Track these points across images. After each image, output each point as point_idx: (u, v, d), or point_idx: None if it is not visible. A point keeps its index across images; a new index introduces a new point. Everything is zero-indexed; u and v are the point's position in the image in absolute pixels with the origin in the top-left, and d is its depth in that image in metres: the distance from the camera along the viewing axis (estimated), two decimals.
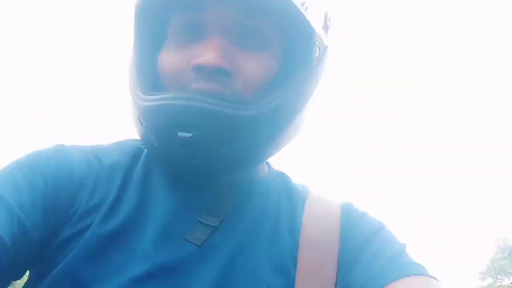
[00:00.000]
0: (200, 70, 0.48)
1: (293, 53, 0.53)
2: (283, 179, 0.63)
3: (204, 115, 0.46)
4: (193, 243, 0.49)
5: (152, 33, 0.54)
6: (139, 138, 0.55)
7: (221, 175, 0.53)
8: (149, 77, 0.53)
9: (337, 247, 0.53)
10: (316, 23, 0.52)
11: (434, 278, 0.48)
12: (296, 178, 0.65)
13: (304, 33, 0.51)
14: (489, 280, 10.62)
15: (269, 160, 0.61)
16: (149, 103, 0.49)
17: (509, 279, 10.26)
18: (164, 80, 0.52)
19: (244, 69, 0.49)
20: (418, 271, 0.49)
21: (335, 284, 0.51)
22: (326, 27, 0.55)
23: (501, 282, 10.50)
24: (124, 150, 0.58)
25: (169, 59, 0.51)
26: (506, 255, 10.49)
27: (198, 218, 0.51)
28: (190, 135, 0.45)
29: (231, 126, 0.47)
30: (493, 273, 10.43)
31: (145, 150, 0.57)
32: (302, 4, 0.48)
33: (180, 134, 0.46)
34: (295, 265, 0.51)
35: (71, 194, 0.50)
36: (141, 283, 0.47)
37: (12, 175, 0.48)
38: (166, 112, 0.47)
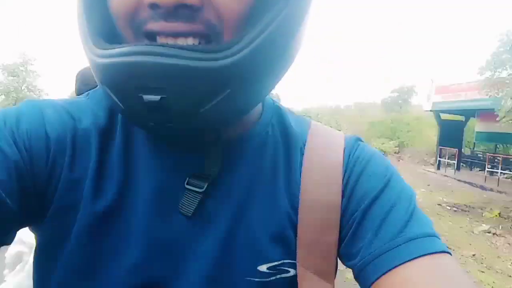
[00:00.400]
0: (156, 7, 0.38)
1: None
2: (278, 119, 0.56)
3: (170, 73, 0.37)
4: (185, 214, 0.46)
5: None
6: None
7: (205, 133, 0.46)
8: (100, 20, 0.43)
9: (339, 208, 0.47)
10: None
11: (441, 252, 0.43)
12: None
13: None
14: (488, 74, 10.85)
15: None
16: (104, 60, 0.39)
17: (507, 72, 10.41)
18: (117, 23, 0.42)
19: (218, 1, 0.38)
20: (425, 248, 0.43)
21: (337, 251, 0.48)
22: None
23: (499, 74, 10.73)
24: (100, 105, 0.50)
25: None
26: (508, 48, 10.43)
27: (185, 185, 0.46)
28: (158, 97, 0.37)
29: (205, 81, 0.38)
30: (492, 67, 10.59)
31: None
32: None
33: (146, 97, 0.37)
34: (294, 233, 0.48)
35: (48, 161, 0.45)
36: (140, 267, 0.45)
37: None
38: (124, 71, 0.38)
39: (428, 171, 15.08)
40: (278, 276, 0.47)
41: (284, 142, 0.53)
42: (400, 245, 0.43)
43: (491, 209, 8.14)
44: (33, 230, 0.49)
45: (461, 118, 15.64)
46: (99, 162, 0.46)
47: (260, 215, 0.48)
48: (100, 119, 0.49)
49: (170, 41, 0.39)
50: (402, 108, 33.46)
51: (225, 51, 0.38)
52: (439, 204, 8.51)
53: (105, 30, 0.43)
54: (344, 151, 0.52)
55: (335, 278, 0.49)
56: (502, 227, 7.07)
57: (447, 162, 14.83)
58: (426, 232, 0.45)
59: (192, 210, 0.46)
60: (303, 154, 0.52)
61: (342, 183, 0.49)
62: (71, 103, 0.50)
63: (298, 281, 0.47)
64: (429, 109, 15.98)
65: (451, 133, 15.15)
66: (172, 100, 0.38)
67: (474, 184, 11.70)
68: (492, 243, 6.39)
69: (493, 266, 5.30)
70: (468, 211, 8.20)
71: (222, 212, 0.47)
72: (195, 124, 0.41)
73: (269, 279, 0.47)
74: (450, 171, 14.21)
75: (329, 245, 0.47)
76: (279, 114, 0.57)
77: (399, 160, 19.44)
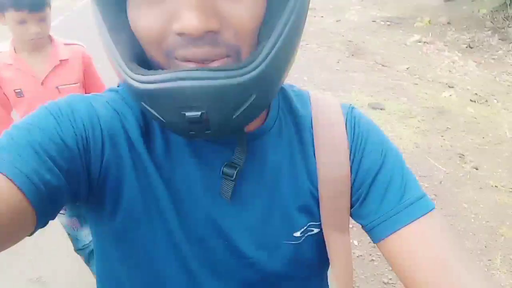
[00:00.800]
0: (184, 35, 0.42)
1: None
2: (285, 102, 0.63)
3: (207, 93, 0.42)
4: (225, 198, 0.55)
5: None
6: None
7: (236, 132, 0.53)
8: (128, 45, 0.46)
9: (349, 180, 0.58)
10: None
11: (432, 210, 0.55)
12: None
13: None
14: None
15: None
16: (147, 86, 0.43)
17: None
18: (145, 45, 0.46)
19: (232, 20, 0.43)
20: (421, 210, 0.55)
21: (350, 212, 0.60)
22: None
23: None
24: (131, 106, 0.55)
25: (144, 20, 0.44)
26: None
27: (221, 174, 0.54)
28: (198, 113, 0.43)
29: (236, 94, 0.44)
30: None
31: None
32: None
33: (188, 114, 0.43)
34: (316, 202, 0.58)
35: (102, 153, 0.51)
36: (196, 241, 0.55)
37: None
38: (168, 95, 0.43)
39: None
40: (307, 235, 0.59)
41: (295, 125, 0.61)
42: (401, 211, 0.55)
43: (422, 17, 8.30)
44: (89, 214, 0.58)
45: None
46: (146, 155, 0.53)
47: (287, 192, 0.58)
48: (139, 116, 0.55)
49: (200, 65, 0.44)
50: None
51: (249, 66, 0.43)
52: (373, 21, 8.56)
53: (133, 54, 0.46)
54: (346, 126, 0.60)
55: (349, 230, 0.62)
56: (431, 34, 7.37)
57: None
58: (418, 195, 0.57)
59: (229, 195, 0.55)
60: (312, 134, 0.60)
61: (350, 158, 0.59)
62: (112, 100, 0.55)
63: (325, 237, 0.59)
64: None
65: None
66: (210, 113, 0.44)
67: None
68: (423, 52, 6.71)
69: (425, 76, 5.65)
70: (401, 23, 8.34)
71: (255, 193, 0.57)
72: (228, 128, 0.47)
73: (302, 240, 0.59)
74: None
75: (342, 208, 0.59)
76: (284, 96, 0.64)
77: None
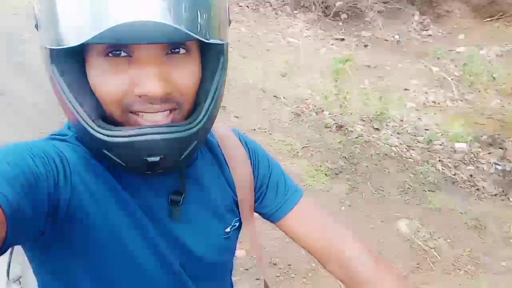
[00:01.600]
0: (145, 96, 0.56)
1: (208, 49, 0.61)
2: None
3: (167, 143, 0.57)
4: (176, 220, 0.69)
5: (73, 54, 0.56)
6: (93, 155, 0.62)
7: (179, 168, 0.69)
8: (86, 99, 0.57)
9: (253, 184, 0.80)
10: (224, 32, 0.61)
11: (304, 193, 0.86)
12: None
13: (217, 47, 0.61)
14: None
15: None
16: (113, 139, 0.56)
17: None
18: (105, 103, 0.58)
19: (180, 83, 0.58)
20: (299, 194, 0.84)
21: (254, 208, 0.82)
22: (228, 22, 0.63)
23: None
24: (71, 148, 0.62)
25: (107, 84, 0.56)
26: None
27: (169, 202, 0.69)
28: (157, 158, 0.57)
29: (186, 142, 0.59)
30: None
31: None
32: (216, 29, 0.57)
33: (150, 159, 0.56)
34: (236, 205, 0.79)
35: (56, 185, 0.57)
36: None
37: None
38: (134, 147, 0.56)
39: None
40: (233, 229, 0.79)
41: (210, 151, 0.78)
42: (288, 198, 0.83)
43: None
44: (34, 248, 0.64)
45: None
46: (111, 188, 0.63)
47: (218, 200, 0.76)
48: (91, 160, 0.63)
49: (151, 118, 0.58)
50: None
51: (193, 123, 0.59)
52: None
53: (93, 110, 0.57)
54: (243, 145, 0.82)
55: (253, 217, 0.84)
56: None
57: None
58: (295, 187, 0.86)
59: (178, 217, 0.69)
60: (223, 154, 0.79)
61: (252, 169, 0.81)
62: (66, 145, 0.63)
63: (243, 225, 0.82)
64: None
65: None
66: (167, 157, 0.58)
67: None
68: None
69: None
70: None
71: (198, 210, 0.73)
72: (176, 165, 0.62)
73: (230, 233, 0.78)
74: None
75: (251, 204, 0.81)
76: None
77: None
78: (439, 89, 5.48)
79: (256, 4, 7.80)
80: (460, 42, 6.78)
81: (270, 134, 3.83)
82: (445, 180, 3.51)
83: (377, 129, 4.24)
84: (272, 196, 0.83)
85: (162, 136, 0.56)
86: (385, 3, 7.24)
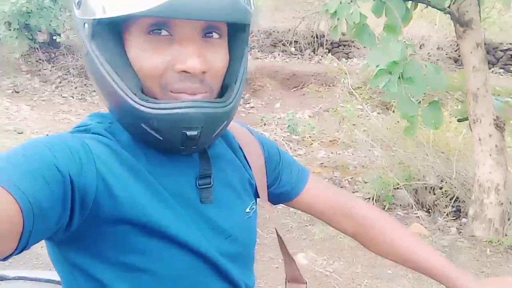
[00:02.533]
0: (185, 73, 0.58)
1: (235, 38, 0.65)
2: None
3: (206, 117, 0.59)
4: (208, 203, 0.68)
5: (113, 31, 0.58)
6: (128, 129, 0.64)
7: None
8: (126, 75, 0.58)
9: (265, 168, 0.83)
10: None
11: (310, 171, 0.92)
12: None
13: (246, 22, 0.62)
14: None
15: None
16: (157, 111, 0.57)
17: None
18: (145, 79, 0.59)
19: (213, 65, 0.61)
20: (308, 173, 0.90)
21: (268, 191, 0.85)
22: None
23: None
24: (94, 137, 0.62)
25: (149, 60, 0.58)
26: None
27: (197, 186, 0.67)
28: (196, 132, 0.59)
29: (220, 119, 0.62)
30: None
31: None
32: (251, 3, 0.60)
33: (189, 133, 0.58)
34: (252, 187, 0.80)
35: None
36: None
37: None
38: (176, 119, 0.58)
39: None
40: (252, 212, 0.78)
41: (224, 139, 0.79)
42: (301, 177, 0.88)
43: None
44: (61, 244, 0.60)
45: None
46: (142, 169, 0.62)
47: (237, 183, 0.76)
48: (112, 144, 0.62)
49: (190, 97, 0.60)
50: None
51: (227, 101, 0.62)
52: None
53: (133, 86, 0.58)
54: (253, 135, 0.85)
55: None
56: None
57: None
58: (302, 167, 0.92)
59: (212, 199, 0.69)
60: (238, 143, 0.81)
61: (263, 155, 0.83)
62: (92, 136, 0.62)
63: (261, 202, 0.83)
64: None
65: None
66: (203, 132, 0.60)
67: None
68: None
69: None
70: None
71: (222, 190, 0.72)
72: (207, 143, 0.66)
73: (251, 214, 0.78)
74: None
75: (264, 185, 0.83)
76: None
77: None
78: (342, 189, 6.01)
79: (82, 94, 7.62)
80: (278, 110, 7.77)
81: None
82: None
83: None
84: (287, 176, 0.88)
85: (202, 110, 0.58)
86: None
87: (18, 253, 0.48)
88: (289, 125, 6.71)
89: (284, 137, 6.50)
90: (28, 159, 0.50)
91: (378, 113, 6.48)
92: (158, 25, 0.57)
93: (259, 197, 0.83)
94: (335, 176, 4.99)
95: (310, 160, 5.64)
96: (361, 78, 7.47)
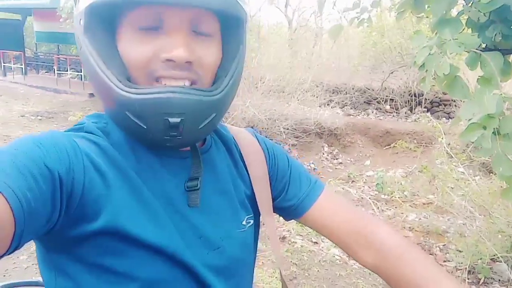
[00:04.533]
0: (170, 62, 0.59)
1: (229, 36, 0.66)
2: (214, 130, 0.79)
3: (189, 103, 0.58)
4: (195, 206, 0.67)
5: (105, 25, 0.60)
6: (115, 120, 0.64)
7: (195, 144, 0.69)
8: (114, 65, 0.60)
9: (269, 181, 0.78)
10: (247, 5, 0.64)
11: (326, 184, 0.83)
12: None
13: (239, 22, 0.65)
14: None
15: None
16: (139, 96, 0.57)
17: None
18: (132, 69, 0.60)
19: (202, 59, 0.61)
20: (321, 187, 0.82)
21: (273, 204, 0.79)
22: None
23: None
24: (83, 136, 0.62)
25: (137, 51, 0.59)
26: None
27: (186, 188, 0.66)
28: (179, 119, 0.58)
29: (205, 108, 0.61)
30: None
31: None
32: None
33: (171, 119, 0.57)
34: (249, 201, 0.76)
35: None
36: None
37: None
38: (158, 103, 0.57)
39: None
40: (248, 226, 0.74)
41: (224, 144, 0.78)
42: (312, 190, 0.81)
43: (73, 112, 8.50)
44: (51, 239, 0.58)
45: (17, 16, 14.27)
46: (128, 169, 0.62)
47: (232, 192, 0.73)
48: (108, 145, 0.63)
49: (175, 83, 0.59)
50: None
51: (215, 91, 0.61)
52: (22, 116, 8.23)
53: (119, 74, 0.59)
54: (259, 143, 0.82)
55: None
56: None
57: (13, 67, 13.53)
58: (315, 179, 0.84)
59: (198, 203, 0.67)
60: (238, 150, 0.78)
61: (269, 166, 0.79)
62: (82, 135, 0.63)
63: (262, 219, 0.78)
64: None
65: (10, 34, 13.66)
66: (186, 121, 0.58)
67: (48, 88, 11.56)
68: None
69: None
70: (53, 117, 8.36)
71: (213, 197, 0.70)
72: (194, 136, 0.64)
73: (246, 227, 0.74)
74: (19, 77, 13.22)
75: (268, 197, 0.78)
76: None
77: None
78: (361, 208, 5.75)
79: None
80: (368, 167, 7.48)
81: None
82: None
83: (316, 242, 4.23)
84: (295, 188, 0.81)
85: (185, 96, 0.57)
86: (296, 137, 7.93)
87: (11, 252, 0.48)
88: (377, 183, 6.40)
89: (371, 195, 6.20)
90: (16, 157, 0.49)
91: (480, 177, 5.92)
92: (148, 20, 0.59)
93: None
94: (425, 242, 4.59)
95: (399, 222, 5.26)
96: (463, 140, 6.94)
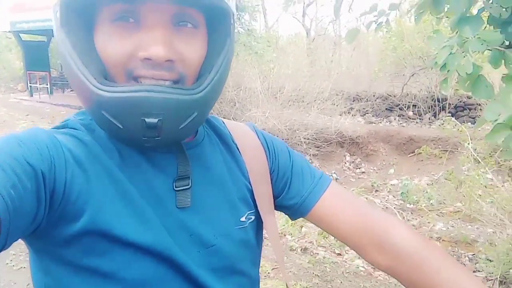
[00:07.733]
0: (148, 60, 0.55)
1: (215, 29, 0.61)
2: (208, 122, 0.76)
3: (167, 103, 0.54)
4: (185, 207, 0.63)
5: (82, 20, 0.57)
6: (93, 119, 0.60)
7: (177, 142, 0.64)
8: (91, 62, 0.56)
9: (269, 179, 0.74)
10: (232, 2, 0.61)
11: (332, 180, 0.79)
12: None
13: (225, 14, 0.61)
14: None
15: None
16: (114, 94, 0.54)
17: None
18: (109, 66, 0.57)
19: (184, 55, 0.57)
20: (327, 181, 0.76)
21: (275, 202, 0.75)
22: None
23: None
24: (67, 132, 0.61)
25: (114, 47, 0.56)
26: None
27: (174, 188, 0.62)
28: (156, 120, 0.54)
29: (185, 108, 0.56)
30: None
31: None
32: None
33: (148, 120, 0.54)
34: (250, 195, 0.72)
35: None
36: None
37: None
38: (134, 103, 0.53)
39: (22, 99, 13.86)
40: (249, 222, 0.70)
41: (219, 137, 0.74)
42: (316, 185, 0.75)
43: None
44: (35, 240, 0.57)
45: (43, 38, 14.71)
46: (113, 166, 0.59)
47: (230, 186, 0.69)
48: (92, 140, 0.61)
49: (154, 81, 0.56)
50: None
51: (197, 89, 0.57)
52: None
53: (97, 72, 0.56)
54: (258, 137, 0.78)
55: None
56: None
57: (39, 87, 13.92)
58: (320, 173, 0.78)
59: (189, 202, 0.63)
60: (235, 144, 0.75)
61: (269, 160, 0.76)
62: (65, 132, 0.61)
63: (261, 217, 0.73)
64: (8, 30, 13.76)
65: (36, 55, 14.09)
66: (164, 121, 0.55)
67: (72, 105, 11.60)
68: None
69: None
70: None
71: (206, 193, 0.66)
72: (174, 137, 0.60)
73: (246, 224, 0.70)
74: (44, 96, 13.56)
75: (267, 193, 0.74)
76: (206, 119, 0.76)
77: None
78: (374, 204, 5.61)
79: None
80: (391, 176, 7.31)
81: None
82: None
83: (339, 254, 4.12)
84: (298, 184, 0.75)
85: (162, 95, 0.54)
86: (317, 147, 7.84)
87: None
88: (402, 192, 6.22)
89: (396, 205, 6.03)
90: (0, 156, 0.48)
91: (509, 182, 5.69)
92: (125, 13, 0.55)
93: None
94: (453, 251, 4.41)
95: (426, 232, 5.08)
96: (490, 144, 6.73)
